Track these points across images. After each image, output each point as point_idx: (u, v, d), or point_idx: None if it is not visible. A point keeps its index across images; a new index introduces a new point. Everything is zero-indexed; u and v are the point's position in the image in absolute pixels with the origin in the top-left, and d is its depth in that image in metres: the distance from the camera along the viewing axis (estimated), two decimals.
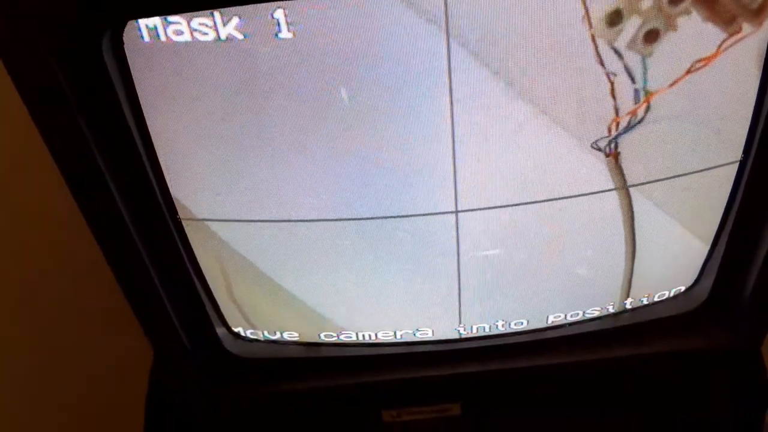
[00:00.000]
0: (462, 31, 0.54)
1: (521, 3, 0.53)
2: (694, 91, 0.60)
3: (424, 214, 0.66)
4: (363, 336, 0.78)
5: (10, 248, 0.88)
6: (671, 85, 0.59)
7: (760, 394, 0.85)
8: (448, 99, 0.58)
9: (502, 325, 0.77)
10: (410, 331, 0.78)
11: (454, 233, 0.67)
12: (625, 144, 0.63)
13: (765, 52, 0.60)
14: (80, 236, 0.66)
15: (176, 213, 0.66)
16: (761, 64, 0.60)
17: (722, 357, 0.81)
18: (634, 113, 0.61)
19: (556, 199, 0.66)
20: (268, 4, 0.51)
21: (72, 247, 0.77)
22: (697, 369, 0.83)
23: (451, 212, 0.66)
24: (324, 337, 0.79)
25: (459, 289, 0.73)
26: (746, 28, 0.57)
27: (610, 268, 0.74)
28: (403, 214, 0.66)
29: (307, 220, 0.66)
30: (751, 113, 0.64)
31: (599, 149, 0.63)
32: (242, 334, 0.79)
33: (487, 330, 0.78)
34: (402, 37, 0.54)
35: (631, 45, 0.56)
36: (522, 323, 0.77)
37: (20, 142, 0.61)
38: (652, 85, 0.59)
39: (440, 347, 0.79)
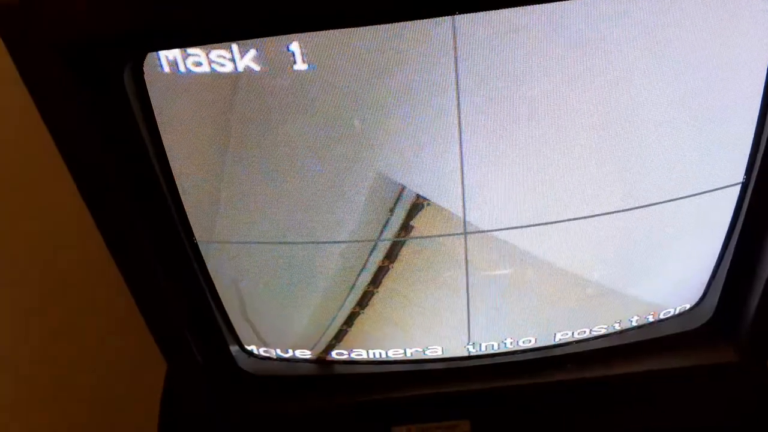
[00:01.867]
0: (472, 65, 0.56)
1: (527, 26, 0.55)
2: (695, 112, 0.62)
3: (433, 236, 0.67)
4: (373, 354, 0.79)
5: (28, 258, 0.89)
6: None
7: (767, 410, 0.85)
8: (456, 125, 0.59)
9: (511, 343, 0.78)
10: (420, 349, 0.79)
11: (463, 254, 0.69)
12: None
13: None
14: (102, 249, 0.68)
15: (192, 235, 0.68)
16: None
17: (728, 373, 0.81)
18: None
19: (562, 221, 0.67)
20: (284, 36, 0.53)
21: (93, 259, 0.78)
22: (702, 385, 0.83)
23: (460, 234, 0.67)
24: (335, 355, 0.80)
25: (468, 308, 0.74)
26: None
27: (616, 287, 0.75)
28: (414, 236, 0.67)
29: (319, 242, 0.67)
30: (753, 134, 0.65)
31: None
32: (255, 352, 0.80)
33: (495, 348, 0.79)
34: (412, 66, 0.56)
35: None
36: (530, 341, 0.78)
37: (44, 157, 0.62)
38: None
39: (450, 365, 0.80)
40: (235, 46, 0.53)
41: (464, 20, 0.53)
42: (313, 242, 0.68)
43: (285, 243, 0.68)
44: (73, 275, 0.95)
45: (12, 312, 0.90)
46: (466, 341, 0.78)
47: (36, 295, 0.93)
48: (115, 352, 1.00)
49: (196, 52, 0.54)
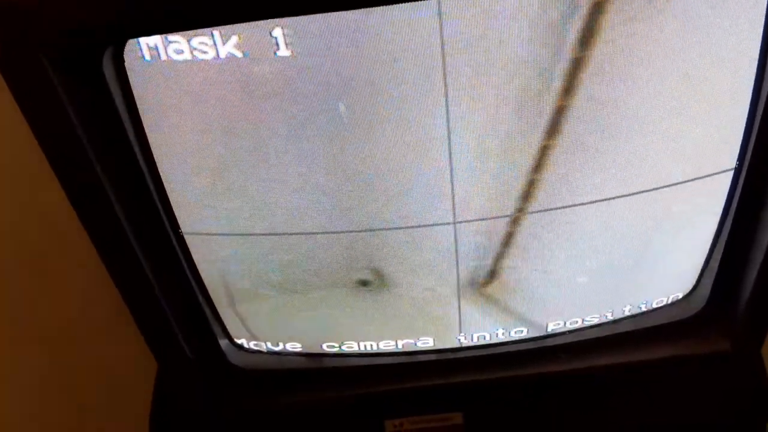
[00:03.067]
0: (458, 51, 0.55)
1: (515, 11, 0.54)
2: (686, 96, 0.61)
3: (422, 226, 0.67)
4: (365, 346, 0.79)
5: (17, 257, 0.89)
6: None
7: (761, 399, 0.85)
8: (444, 111, 0.59)
9: (502, 334, 0.78)
10: (411, 341, 0.78)
11: (453, 244, 0.68)
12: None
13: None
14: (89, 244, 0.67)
15: (178, 227, 0.67)
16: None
17: (721, 362, 0.81)
18: None
19: (553, 209, 0.66)
20: (266, 22, 0.52)
21: (82, 254, 0.78)
22: (696, 375, 0.83)
23: (450, 224, 0.66)
24: (326, 348, 0.79)
25: (459, 298, 0.74)
26: None
27: (608, 276, 0.75)
28: (402, 225, 0.66)
29: (306, 233, 0.67)
30: (745, 119, 0.65)
31: None
32: (245, 345, 0.80)
33: (487, 339, 0.78)
34: (398, 52, 0.55)
35: None
36: (522, 331, 0.78)
37: (30, 153, 0.61)
38: None
39: (441, 356, 0.80)
40: (216, 33, 0.53)
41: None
42: (300, 234, 0.67)
43: (270, 234, 0.67)
44: (72, 275, 0.94)
45: (11, 312, 0.90)
46: (458, 332, 0.77)
47: (35, 295, 0.92)
48: (108, 351, 0.99)
49: (177, 39, 0.53)
